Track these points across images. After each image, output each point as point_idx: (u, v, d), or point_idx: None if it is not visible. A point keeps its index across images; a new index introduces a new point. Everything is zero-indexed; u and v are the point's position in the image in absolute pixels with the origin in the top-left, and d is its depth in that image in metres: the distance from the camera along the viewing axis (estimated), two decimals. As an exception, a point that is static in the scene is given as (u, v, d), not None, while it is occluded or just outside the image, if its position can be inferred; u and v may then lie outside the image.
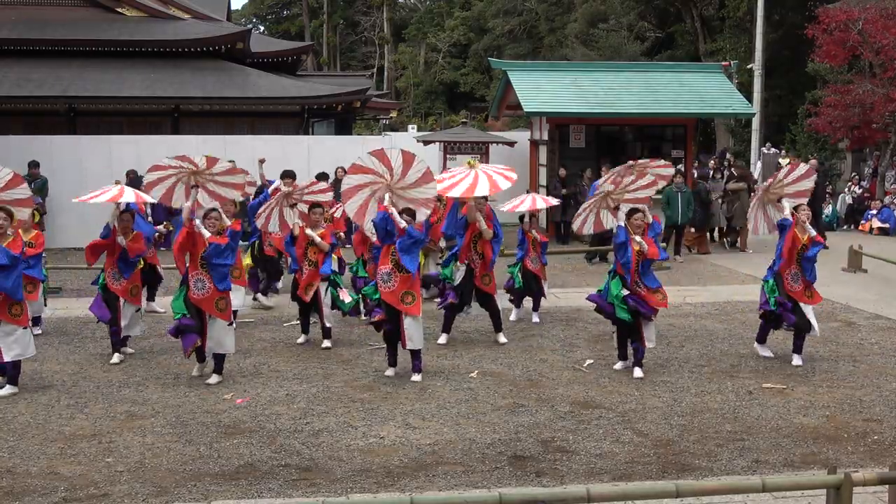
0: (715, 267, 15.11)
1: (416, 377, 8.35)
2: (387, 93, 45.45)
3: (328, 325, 9.67)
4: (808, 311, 8.92)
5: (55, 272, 12.67)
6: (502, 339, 9.84)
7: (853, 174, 24.20)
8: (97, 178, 17.26)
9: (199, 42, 25.00)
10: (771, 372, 8.68)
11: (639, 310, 8.44)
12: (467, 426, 7.10)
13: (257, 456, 6.48)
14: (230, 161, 13.66)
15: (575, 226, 9.46)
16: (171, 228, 11.96)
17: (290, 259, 10.21)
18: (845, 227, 21.05)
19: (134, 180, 15.18)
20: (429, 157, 18.01)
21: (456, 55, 54.13)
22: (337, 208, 11.32)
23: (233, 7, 43.06)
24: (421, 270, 9.30)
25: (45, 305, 10.72)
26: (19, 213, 8.35)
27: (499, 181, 9.47)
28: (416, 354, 8.42)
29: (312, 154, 18.14)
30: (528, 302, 11.06)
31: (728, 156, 25.71)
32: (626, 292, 8.43)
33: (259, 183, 12.29)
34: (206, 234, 8.19)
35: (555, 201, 12.84)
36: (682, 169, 17.40)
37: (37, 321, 9.98)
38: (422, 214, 8.77)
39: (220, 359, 8.40)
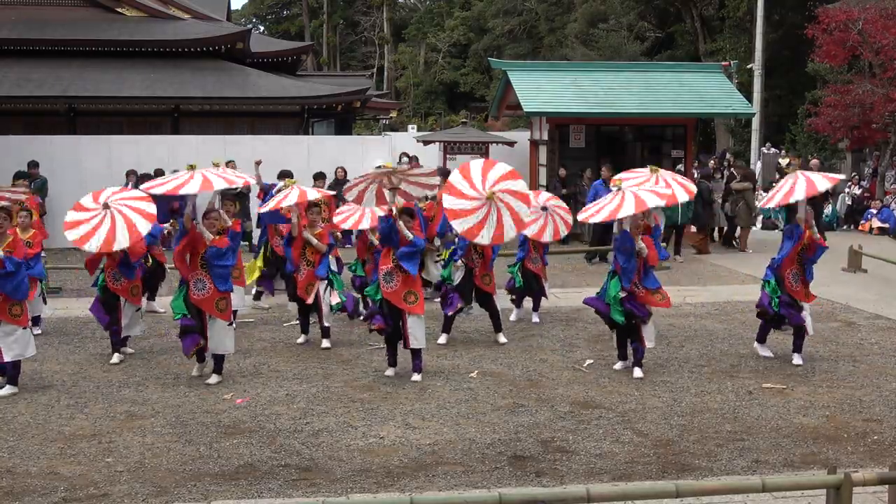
0: (715, 267, 15.11)
1: (417, 377, 8.35)
2: (387, 93, 45.44)
3: (327, 324, 9.67)
4: (806, 310, 8.93)
5: (55, 272, 12.67)
6: (502, 339, 9.84)
7: (853, 174, 24.20)
8: (97, 178, 17.26)
9: (199, 42, 25.00)
10: (771, 372, 8.68)
11: (633, 313, 8.45)
12: (467, 426, 7.10)
13: (257, 456, 6.48)
14: (230, 161, 13.77)
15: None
16: (176, 227, 11.96)
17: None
18: (845, 227, 21.05)
19: (140, 179, 15.13)
20: (429, 157, 18.09)
21: (456, 55, 54.13)
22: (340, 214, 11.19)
23: (233, 7, 43.07)
24: (421, 271, 9.31)
25: (45, 303, 10.71)
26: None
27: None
28: (417, 354, 8.43)
29: (312, 154, 18.13)
30: (527, 302, 11.07)
31: (728, 156, 25.73)
32: (623, 294, 8.43)
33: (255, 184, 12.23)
34: (209, 236, 8.19)
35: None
36: (682, 169, 17.40)
37: (36, 321, 9.98)
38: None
39: (219, 359, 8.40)
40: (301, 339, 9.85)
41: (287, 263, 9.94)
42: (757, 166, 26.00)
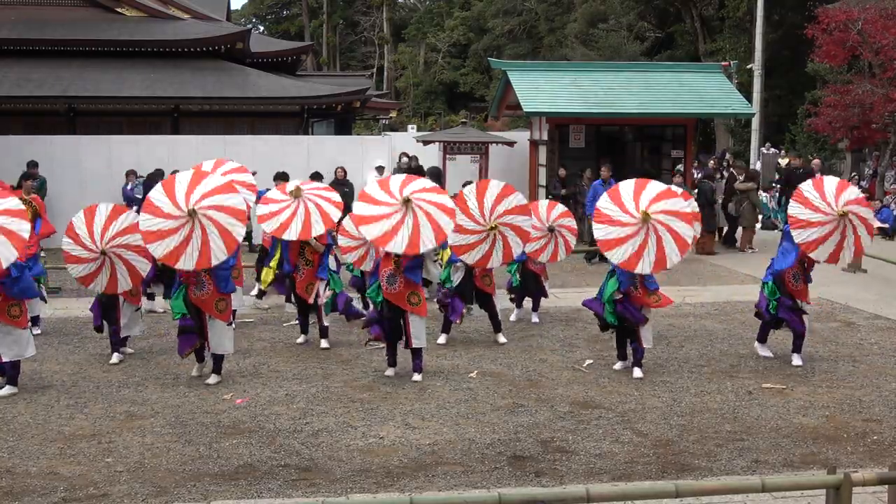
0: (715, 267, 15.10)
1: (417, 377, 8.35)
2: (386, 93, 45.44)
3: (326, 324, 9.67)
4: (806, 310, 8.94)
5: (55, 272, 12.67)
6: (502, 339, 9.85)
7: (853, 174, 24.20)
8: (97, 178, 17.38)
9: (198, 42, 25.01)
10: (770, 372, 8.68)
11: (625, 316, 8.46)
12: (467, 426, 7.10)
13: (257, 456, 6.48)
14: (229, 161, 13.73)
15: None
16: None
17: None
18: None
19: (152, 178, 15.09)
20: (429, 157, 18.09)
21: (456, 55, 54.14)
22: None
23: (232, 7, 43.08)
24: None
25: (45, 301, 10.71)
26: None
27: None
28: (417, 353, 8.43)
29: (312, 154, 18.14)
30: (527, 302, 11.07)
31: (728, 156, 25.74)
32: (619, 296, 8.43)
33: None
34: None
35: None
36: (682, 169, 17.40)
37: (36, 321, 9.98)
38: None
39: (218, 359, 8.40)
40: (301, 339, 9.85)
41: (285, 264, 9.94)
42: (756, 166, 25.99)
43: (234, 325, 8.97)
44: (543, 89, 17.71)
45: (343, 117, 29.05)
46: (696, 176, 18.81)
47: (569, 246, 10.83)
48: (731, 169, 19.80)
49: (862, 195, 8.89)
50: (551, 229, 10.59)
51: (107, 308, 9.11)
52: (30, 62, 23.75)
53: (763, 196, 21.12)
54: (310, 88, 25.14)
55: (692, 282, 13.66)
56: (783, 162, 24.85)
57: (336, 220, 9.43)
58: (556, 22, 44.55)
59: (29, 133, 19.89)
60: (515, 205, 9.44)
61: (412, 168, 17.03)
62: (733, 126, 32.42)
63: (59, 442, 6.77)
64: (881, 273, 14.11)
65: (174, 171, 14.36)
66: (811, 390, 8.08)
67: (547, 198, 16.91)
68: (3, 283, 7.74)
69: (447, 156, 18.02)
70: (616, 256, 8.13)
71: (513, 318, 10.95)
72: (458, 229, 9.02)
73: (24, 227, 7.60)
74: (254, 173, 12.37)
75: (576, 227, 11.09)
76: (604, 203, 8.28)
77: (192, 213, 7.75)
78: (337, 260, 10.71)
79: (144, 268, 8.98)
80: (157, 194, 7.94)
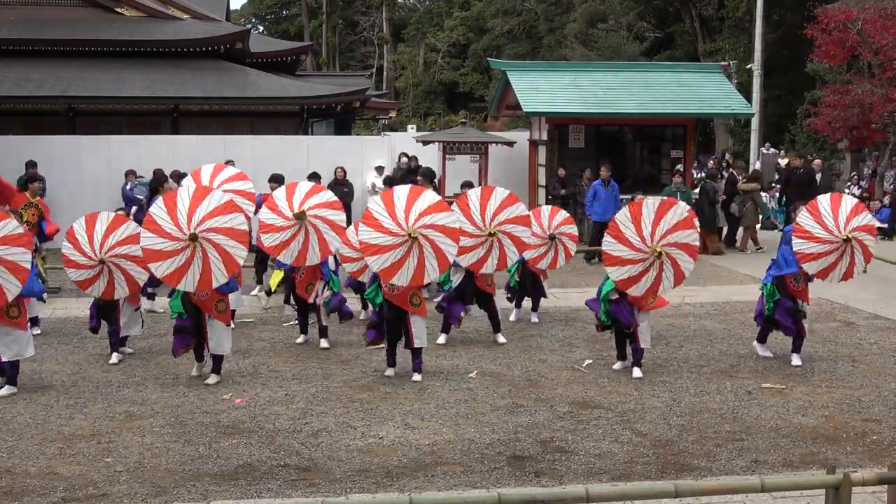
0: (714, 267, 15.10)
1: (417, 377, 8.36)
2: (386, 93, 45.44)
3: (325, 324, 9.67)
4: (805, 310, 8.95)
5: (55, 272, 12.66)
6: (501, 339, 9.85)
7: (852, 174, 24.22)
8: (97, 178, 17.37)
9: (198, 42, 25.00)
10: (770, 372, 8.68)
11: (617, 317, 8.47)
12: (466, 426, 7.10)
13: (256, 456, 6.48)
14: (229, 161, 13.75)
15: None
16: None
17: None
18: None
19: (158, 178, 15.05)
20: (428, 157, 18.08)
21: (455, 55, 54.14)
22: None
23: (232, 7, 43.11)
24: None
25: (44, 301, 10.70)
26: None
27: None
28: (417, 353, 8.44)
29: (311, 154, 18.13)
30: (527, 302, 11.07)
31: (727, 156, 25.76)
32: (615, 296, 8.44)
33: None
34: None
35: None
36: (682, 169, 17.40)
37: (35, 321, 9.97)
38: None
39: (218, 359, 8.40)
40: (300, 340, 9.85)
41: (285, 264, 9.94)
42: (756, 166, 26.00)
43: (233, 326, 8.98)
44: (543, 89, 17.71)
45: (343, 117, 29.04)
46: (695, 176, 18.82)
47: (569, 253, 10.85)
48: (731, 169, 19.82)
49: (873, 224, 8.87)
50: (552, 237, 10.59)
51: (106, 309, 9.12)
52: (30, 62, 23.75)
53: (763, 196, 21.12)
54: (309, 88, 25.14)
55: (692, 282, 13.60)
56: (783, 162, 24.86)
57: (336, 247, 9.43)
58: (555, 22, 44.56)
59: (29, 133, 19.89)
60: (517, 215, 9.48)
61: (412, 168, 17.04)
62: (733, 126, 32.44)
63: (59, 442, 6.77)
64: (881, 273, 14.10)
65: (174, 171, 14.43)
66: (811, 390, 8.08)
67: (547, 198, 16.98)
68: None
69: (447, 156, 18.01)
70: (615, 274, 8.21)
71: (512, 318, 10.95)
72: (459, 232, 8.99)
73: (26, 258, 7.71)
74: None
75: (577, 233, 11.10)
76: (623, 219, 8.19)
77: (193, 238, 7.73)
78: (336, 260, 10.72)
79: (142, 277, 8.97)
80: (158, 211, 7.90)
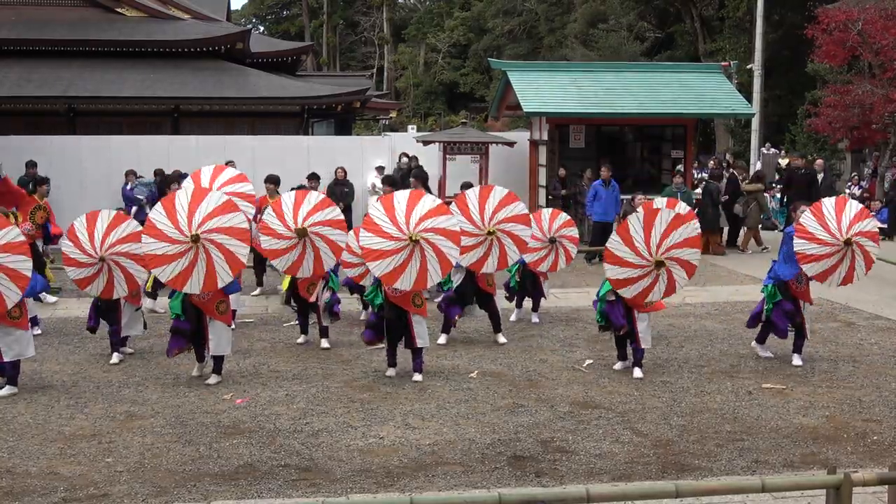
0: (715, 267, 15.10)
1: (418, 377, 8.35)
2: (386, 93, 45.47)
3: (326, 324, 9.67)
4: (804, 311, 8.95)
5: (55, 272, 12.65)
6: (502, 339, 9.85)
7: (853, 174, 24.21)
8: (97, 178, 17.37)
9: (198, 42, 25.02)
10: (770, 372, 8.68)
11: (609, 317, 8.48)
12: (467, 426, 7.10)
13: (257, 456, 6.48)
14: (229, 161, 13.76)
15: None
16: None
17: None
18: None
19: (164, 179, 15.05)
20: (429, 157, 18.08)
21: (456, 55, 54.16)
22: None
23: (232, 7, 43.09)
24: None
25: (42, 301, 10.72)
26: None
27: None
28: (418, 353, 8.44)
29: (312, 154, 18.13)
30: (527, 302, 11.06)
31: (727, 156, 25.76)
32: (612, 297, 8.44)
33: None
34: None
35: None
36: (682, 169, 17.41)
37: (35, 321, 9.98)
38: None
39: (219, 359, 8.40)
40: (301, 340, 9.85)
41: None
42: (757, 166, 26.00)
43: (233, 326, 8.98)
44: (543, 89, 17.71)
45: (343, 117, 29.06)
46: (696, 176, 18.81)
47: (569, 255, 10.83)
48: (732, 169, 19.81)
49: (876, 231, 8.87)
50: (552, 240, 10.59)
51: (106, 309, 9.12)
52: (30, 62, 23.76)
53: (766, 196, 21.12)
54: (310, 89, 25.15)
55: (692, 282, 13.62)
56: (783, 162, 24.86)
57: (329, 267, 9.35)
58: (555, 22, 44.58)
59: (29, 133, 19.89)
60: (516, 213, 9.46)
61: (411, 168, 17.03)
62: (733, 126, 32.44)
63: (60, 442, 6.77)
64: (881, 273, 14.08)
65: (175, 172, 14.42)
66: (811, 390, 8.08)
67: (547, 198, 16.98)
68: None
69: (447, 156, 18.01)
70: (612, 272, 8.25)
71: (513, 318, 10.95)
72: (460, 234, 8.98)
73: (27, 266, 7.70)
74: None
75: (577, 235, 11.10)
76: (636, 222, 8.17)
77: (195, 239, 7.74)
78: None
79: (142, 275, 9.00)
80: (157, 216, 7.90)
